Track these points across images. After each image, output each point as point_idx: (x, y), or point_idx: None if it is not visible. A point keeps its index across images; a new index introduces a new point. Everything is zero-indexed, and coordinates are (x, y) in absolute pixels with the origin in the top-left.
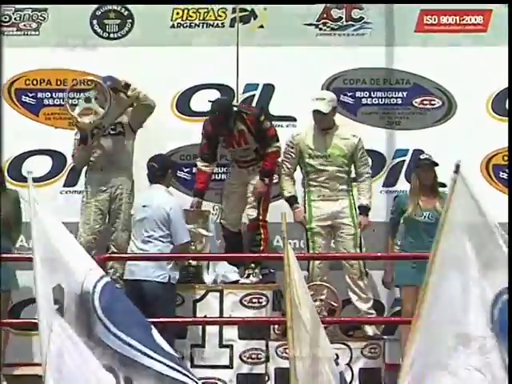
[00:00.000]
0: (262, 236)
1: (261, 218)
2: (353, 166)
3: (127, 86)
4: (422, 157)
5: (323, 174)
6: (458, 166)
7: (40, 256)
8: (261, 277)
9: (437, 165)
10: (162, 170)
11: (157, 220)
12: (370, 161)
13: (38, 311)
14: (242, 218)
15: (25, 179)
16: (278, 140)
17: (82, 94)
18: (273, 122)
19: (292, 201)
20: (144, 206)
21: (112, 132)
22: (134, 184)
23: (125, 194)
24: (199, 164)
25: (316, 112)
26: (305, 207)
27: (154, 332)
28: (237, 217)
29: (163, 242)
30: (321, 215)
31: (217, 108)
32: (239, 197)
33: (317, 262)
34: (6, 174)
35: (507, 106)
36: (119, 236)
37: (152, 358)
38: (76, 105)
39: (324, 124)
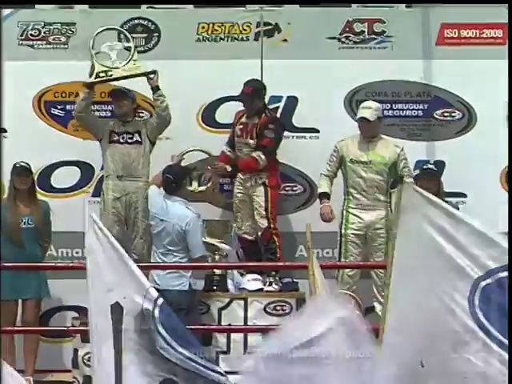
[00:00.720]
0: (277, 243)
1: (272, 226)
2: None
3: (157, 88)
4: (424, 167)
5: (363, 180)
6: (401, 177)
7: (96, 272)
8: (281, 284)
9: (439, 175)
10: (177, 180)
11: (173, 236)
12: (412, 171)
13: (92, 322)
14: (255, 225)
15: (54, 190)
16: (266, 154)
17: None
18: (297, 134)
19: (322, 196)
20: (162, 220)
21: (129, 141)
22: None
23: (140, 201)
24: (224, 148)
25: (362, 119)
26: (342, 213)
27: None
28: (250, 225)
29: (180, 253)
30: (357, 223)
31: (249, 82)
32: (248, 204)
33: (347, 269)
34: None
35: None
36: (139, 244)
37: (213, 370)
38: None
39: (370, 132)
